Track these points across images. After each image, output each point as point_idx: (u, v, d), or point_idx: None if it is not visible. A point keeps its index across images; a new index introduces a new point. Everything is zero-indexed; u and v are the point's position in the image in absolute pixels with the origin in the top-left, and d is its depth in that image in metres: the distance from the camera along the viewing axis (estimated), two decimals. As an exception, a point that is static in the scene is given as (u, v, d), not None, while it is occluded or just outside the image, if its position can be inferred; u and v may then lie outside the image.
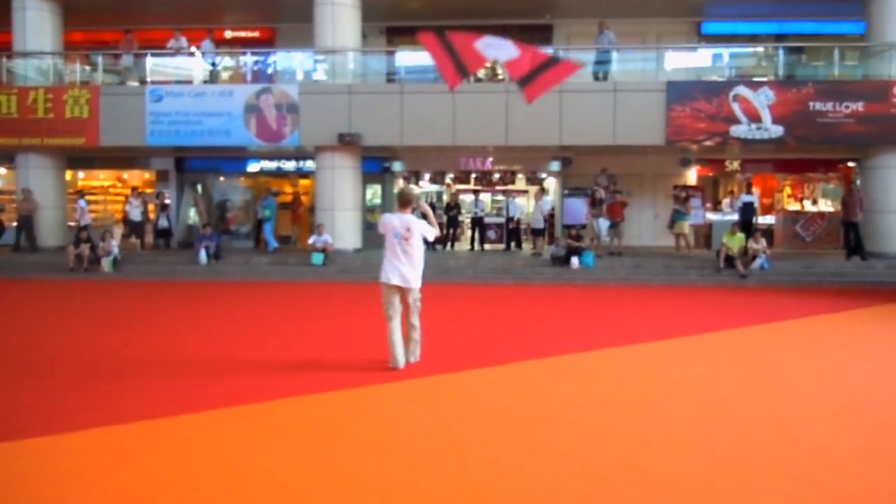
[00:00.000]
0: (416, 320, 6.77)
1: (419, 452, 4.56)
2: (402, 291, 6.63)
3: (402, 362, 6.68)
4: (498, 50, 7.66)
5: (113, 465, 4.35)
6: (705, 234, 18.49)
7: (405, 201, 6.72)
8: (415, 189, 6.98)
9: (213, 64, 17.59)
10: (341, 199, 16.55)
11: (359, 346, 7.88)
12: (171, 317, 10.24)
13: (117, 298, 12.25)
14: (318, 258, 15.51)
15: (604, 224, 16.64)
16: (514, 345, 8.14)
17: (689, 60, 17.93)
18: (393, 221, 6.62)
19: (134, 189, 18.08)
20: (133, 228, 17.47)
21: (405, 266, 6.57)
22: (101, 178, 20.84)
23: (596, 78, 16.56)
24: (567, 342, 8.28)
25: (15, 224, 17.74)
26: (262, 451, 4.56)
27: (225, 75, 18.13)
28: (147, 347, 7.94)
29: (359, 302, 11.47)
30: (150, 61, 17.30)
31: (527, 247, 18.46)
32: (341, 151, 16.54)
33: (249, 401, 5.71)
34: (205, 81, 17.41)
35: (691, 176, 19.17)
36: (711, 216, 18.35)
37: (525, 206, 19.30)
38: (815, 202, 19.47)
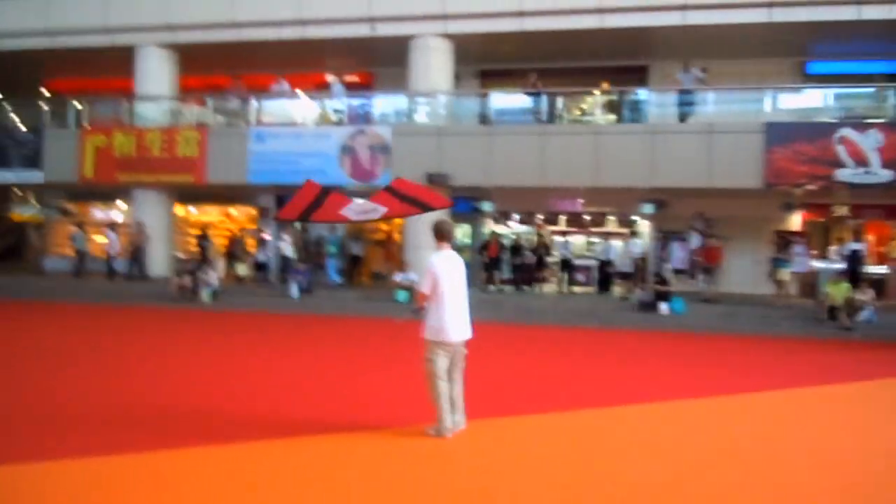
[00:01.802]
0: (461, 378, 5.85)
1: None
2: (455, 346, 5.71)
3: (450, 430, 5.73)
4: (363, 213, 7.20)
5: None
6: (809, 283, 17.46)
7: (447, 235, 5.82)
8: (453, 225, 5.78)
9: (340, 109, 18.17)
10: (429, 238, 16.60)
11: (395, 402, 7.13)
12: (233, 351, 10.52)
13: (202, 329, 12.80)
14: (402, 295, 15.66)
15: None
16: (571, 392, 7.90)
17: (791, 101, 17.30)
18: (443, 262, 5.69)
19: (283, 224, 18.54)
20: (286, 264, 17.57)
21: (463, 315, 5.71)
22: (211, 212, 21.81)
23: (681, 120, 16.26)
24: (629, 392, 7.99)
25: (127, 255, 18.94)
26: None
27: (335, 117, 18.99)
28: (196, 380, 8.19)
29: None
30: (256, 104, 18.37)
31: (618, 290, 18.11)
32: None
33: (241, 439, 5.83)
34: (339, 121, 18.09)
35: (795, 221, 18.26)
36: (816, 264, 17.37)
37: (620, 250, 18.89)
38: (932, 251, 18.10)
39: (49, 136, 18.76)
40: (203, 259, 17.79)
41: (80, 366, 8.70)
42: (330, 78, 18.31)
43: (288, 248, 17.46)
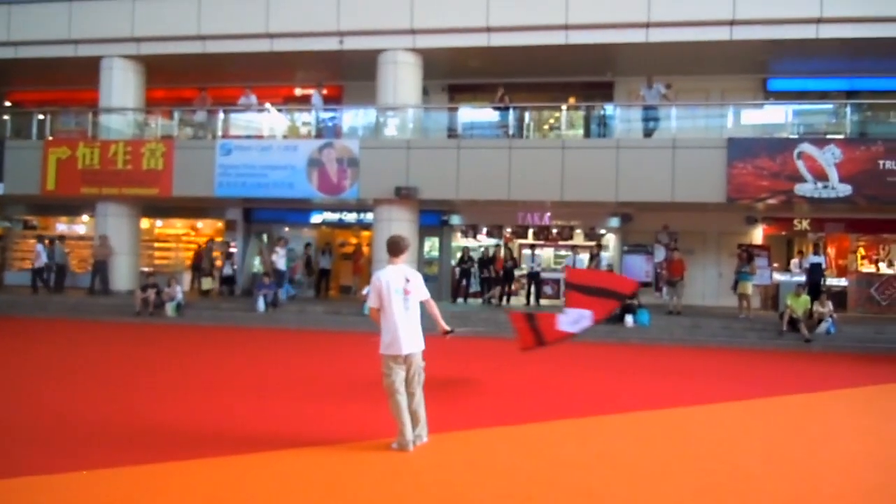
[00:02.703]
0: (420, 391, 5.87)
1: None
2: (408, 359, 5.77)
3: (412, 443, 5.78)
4: (576, 323, 8.43)
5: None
6: (772, 296, 17.88)
7: (398, 248, 5.87)
8: (407, 240, 6.11)
9: (321, 120, 18.22)
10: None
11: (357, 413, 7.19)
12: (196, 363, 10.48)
13: (167, 342, 12.67)
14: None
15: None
16: (536, 404, 7.98)
17: (753, 117, 17.67)
18: (387, 276, 5.72)
19: (280, 238, 18.27)
20: (279, 277, 17.39)
21: (411, 327, 5.74)
22: (178, 226, 21.89)
23: (646, 135, 16.51)
24: (593, 403, 8.12)
25: (90, 268, 18.73)
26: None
27: (303, 130, 18.99)
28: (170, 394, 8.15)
29: None
30: (222, 117, 18.27)
31: None
32: (399, 205, 16.87)
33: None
34: (307, 134, 18.35)
35: (757, 235, 18.66)
36: (778, 277, 17.77)
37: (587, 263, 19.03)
38: (890, 264, 18.60)
39: (10, 147, 18.45)
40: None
41: (29, 383, 8.55)
42: (310, 91, 18.34)
43: (281, 260, 17.39)
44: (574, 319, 8.41)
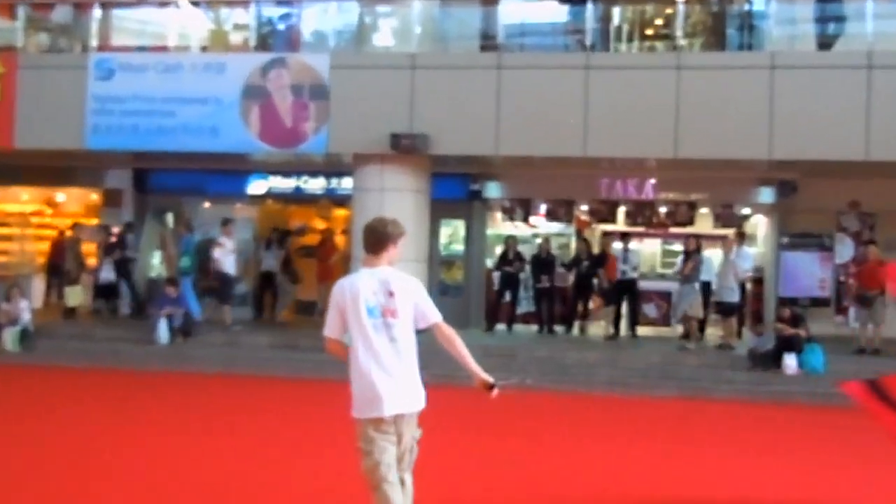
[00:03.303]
0: (410, 478, 5.90)
1: None
2: (399, 423, 5.72)
3: None
4: None
5: None
6: None
7: (378, 242, 5.84)
8: (397, 225, 5.81)
9: (266, 20, 18.53)
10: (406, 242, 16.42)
11: None
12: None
13: None
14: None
15: (689, 293, 16.57)
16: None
17: None
18: (356, 285, 5.74)
19: (227, 221, 18.46)
20: (225, 285, 17.85)
21: (400, 371, 5.69)
22: (24, 200, 21.61)
23: (823, 45, 16.34)
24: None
25: None
26: None
27: (237, 37, 18.99)
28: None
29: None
30: (98, 15, 18.22)
31: (712, 332, 18.12)
32: (396, 164, 16.72)
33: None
34: (243, 44, 18.28)
35: None
36: None
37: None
38: None
39: None
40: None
41: None
42: None
43: (229, 259, 17.72)
44: None
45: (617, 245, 19.04)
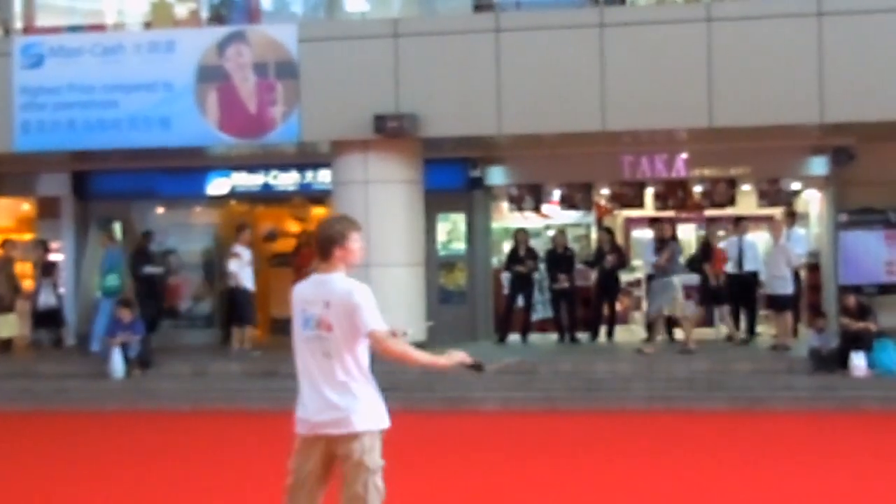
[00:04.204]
0: None
1: None
2: (331, 444, 5.92)
3: None
4: None
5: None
6: None
7: (322, 245, 6.00)
8: (350, 230, 5.85)
9: None
10: (383, 245, 15.96)
11: None
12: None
13: None
14: None
15: (667, 288, 16.13)
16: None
17: None
18: (301, 293, 6.00)
19: (242, 227, 17.83)
20: (245, 303, 17.19)
21: (330, 386, 5.89)
22: None
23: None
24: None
25: None
26: None
27: (185, 10, 18.38)
28: None
29: (405, 468, 10.45)
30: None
31: (764, 331, 17.72)
32: (382, 151, 16.37)
33: None
34: (190, 16, 18.05)
35: None
36: None
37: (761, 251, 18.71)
38: None
39: None
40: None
41: None
42: None
43: (247, 272, 17.06)
44: None
45: (641, 233, 19.50)
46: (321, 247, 5.93)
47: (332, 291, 5.82)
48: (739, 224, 17.88)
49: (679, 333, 16.96)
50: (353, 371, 5.85)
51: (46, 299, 18.16)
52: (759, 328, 18.06)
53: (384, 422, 5.90)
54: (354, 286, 5.84)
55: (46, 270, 18.34)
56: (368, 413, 5.86)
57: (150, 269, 17.98)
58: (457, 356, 6.00)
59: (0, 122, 16.50)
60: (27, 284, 18.61)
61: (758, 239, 18.13)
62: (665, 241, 16.56)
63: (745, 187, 19.05)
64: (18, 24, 17.68)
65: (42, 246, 18.82)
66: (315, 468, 5.93)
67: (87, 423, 13.71)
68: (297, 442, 6.01)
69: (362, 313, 5.76)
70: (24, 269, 18.87)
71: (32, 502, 9.67)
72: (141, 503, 9.76)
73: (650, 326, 16.78)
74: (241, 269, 16.98)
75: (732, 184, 18.77)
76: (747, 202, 19.08)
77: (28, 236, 19.97)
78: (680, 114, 15.61)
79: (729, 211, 18.91)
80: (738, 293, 17.47)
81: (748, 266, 17.36)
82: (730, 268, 17.44)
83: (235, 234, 17.74)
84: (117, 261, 17.75)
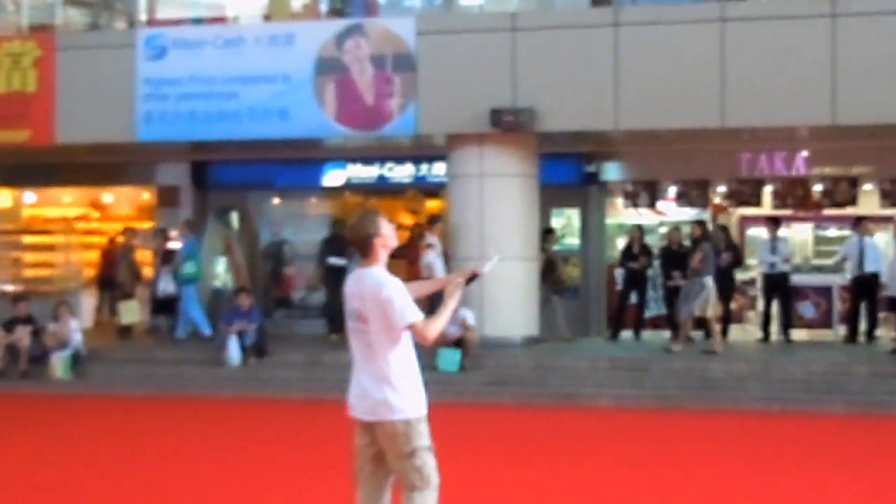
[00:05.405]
0: (388, 495, 6.32)
1: None
2: (374, 431, 6.15)
3: None
4: None
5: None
6: None
7: (365, 240, 6.17)
8: (377, 218, 6.18)
9: None
10: (497, 238, 15.95)
11: None
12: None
13: (40, 439, 12.06)
14: (450, 359, 15.24)
15: (700, 289, 15.99)
16: None
17: None
18: (348, 287, 6.32)
19: (435, 219, 17.94)
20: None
21: (371, 377, 6.10)
22: (68, 203, 21.49)
23: None
24: None
25: None
26: None
27: (301, 3, 18.41)
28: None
29: (523, 457, 10.79)
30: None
31: (886, 333, 17.47)
32: (498, 145, 16.38)
33: None
34: (308, 8, 18.08)
35: None
36: None
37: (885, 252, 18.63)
38: None
39: None
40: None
41: None
42: None
43: (439, 264, 16.93)
44: None
45: (757, 232, 19.25)
46: (360, 245, 6.19)
47: (365, 285, 6.05)
48: (860, 224, 17.59)
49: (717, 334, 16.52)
50: (391, 361, 6.01)
51: (165, 287, 18.16)
52: (879, 331, 17.72)
53: (418, 410, 6.01)
54: (385, 280, 6.01)
55: (166, 258, 18.32)
56: (400, 402, 6.01)
57: (334, 261, 17.78)
58: (455, 280, 6.28)
59: (124, 112, 16.70)
60: (146, 272, 18.69)
61: (879, 240, 17.93)
62: (697, 242, 16.55)
63: (867, 187, 18.65)
64: (143, 16, 17.91)
65: (162, 234, 18.88)
66: (367, 451, 6.14)
67: (203, 409, 14.01)
68: (356, 427, 6.23)
69: (394, 308, 5.92)
70: (144, 257, 18.92)
71: (152, 486, 9.76)
72: (255, 486, 9.85)
73: (679, 326, 16.50)
74: (436, 260, 16.94)
75: (854, 183, 18.47)
76: (869, 202, 18.68)
77: (148, 225, 20.04)
78: (801, 111, 15.52)
79: (849, 210, 18.63)
80: (859, 294, 17.24)
81: (869, 267, 17.14)
82: (850, 269, 17.36)
83: (427, 226, 17.75)
84: (193, 249, 17.95)
